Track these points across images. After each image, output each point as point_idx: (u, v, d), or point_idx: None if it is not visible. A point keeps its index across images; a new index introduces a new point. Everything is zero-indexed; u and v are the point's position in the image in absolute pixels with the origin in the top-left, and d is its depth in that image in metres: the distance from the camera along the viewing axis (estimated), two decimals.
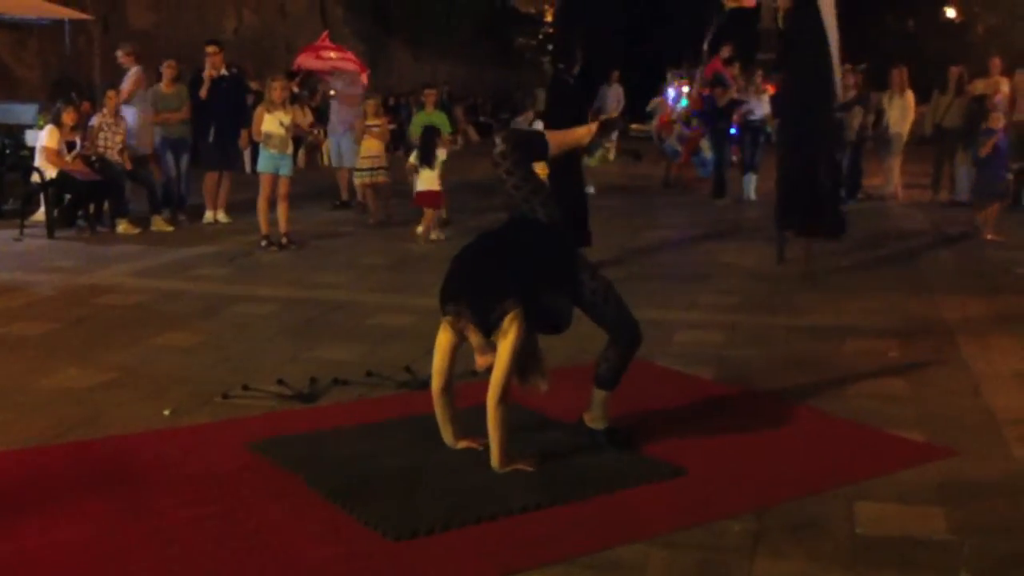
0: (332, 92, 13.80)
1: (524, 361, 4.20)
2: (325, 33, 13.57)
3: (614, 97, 19.74)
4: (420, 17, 26.67)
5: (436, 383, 4.33)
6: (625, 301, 4.54)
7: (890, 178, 14.37)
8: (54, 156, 10.49)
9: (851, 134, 14.06)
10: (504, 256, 4.28)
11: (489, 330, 4.12)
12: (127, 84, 11.87)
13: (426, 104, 12.04)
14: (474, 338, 4.18)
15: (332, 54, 12.86)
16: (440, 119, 11.66)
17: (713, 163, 14.42)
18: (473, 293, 4.15)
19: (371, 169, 11.56)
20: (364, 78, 13.00)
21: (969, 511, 3.94)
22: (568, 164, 8.35)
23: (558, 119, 8.47)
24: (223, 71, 11.56)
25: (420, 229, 10.40)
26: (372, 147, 11.60)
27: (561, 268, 4.36)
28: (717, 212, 12.93)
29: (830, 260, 9.28)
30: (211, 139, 11.38)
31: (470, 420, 4.38)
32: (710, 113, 14.38)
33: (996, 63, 13.94)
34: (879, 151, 14.74)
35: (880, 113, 14.38)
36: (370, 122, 11.64)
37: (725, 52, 14.91)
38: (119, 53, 12.26)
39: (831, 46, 8.58)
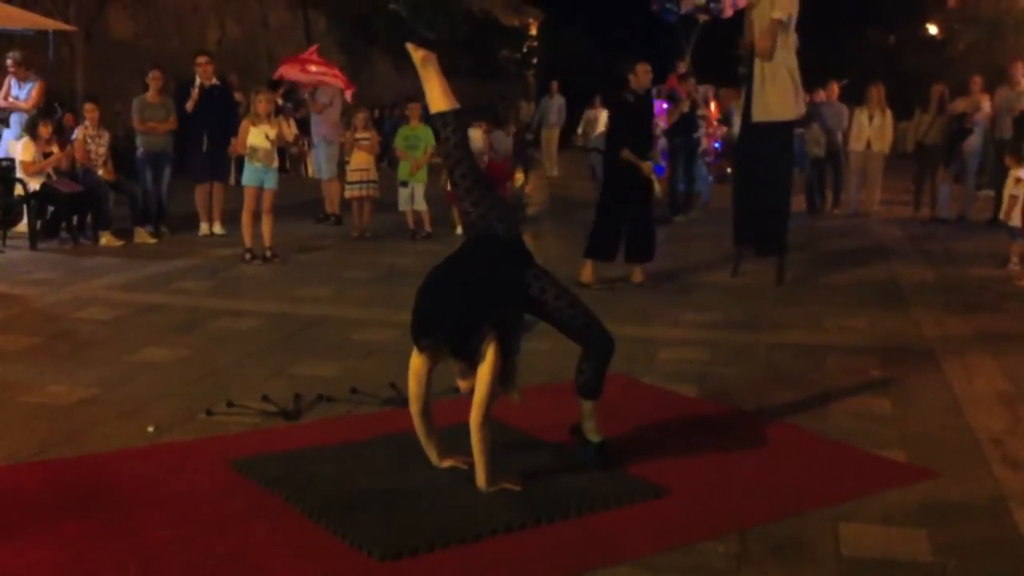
0: (305, 96, 13.74)
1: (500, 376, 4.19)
2: (315, 47, 13.41)
3: (555, 109, 19.90)
4: (402, 28, 26.70)
5: (414, 408, 4.30)
6: (596, 312, 4.51)
7: (872, 195, 14.45)
8: (32, 168, 10.48)
9: (819, 149, 14.21)
10: (470, 284, 4.19)
11: (468, 357, 4.11)
12: (33, 96, 11.72)
13: (411, 118, 12.05)
14: (454, 364, 4.18)
15: (315, 68, 12.74)
16: (424, 132, 11.69)
17: (669, 181, 14.41)
18: (446, 326, 4.10)
19: (360, 182, 11.54)
20: (349, 95, 12.92)
21: (952, 532, 3.95)
22: (632, 188, 8.58)
23: (621, 137, 8.77)
24: (214, 80, 11.53)
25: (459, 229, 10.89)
26: (362, 160, 11.59)
27: (524, 287, 4.31)
28: (695, 228, 12.95)
29: (810, 276, 9.35)
30: (205, 149, 11.34)
31: (454, 438, 4.37)
32: (667, 130, 14.39)
33: (977, 81, 14.03)
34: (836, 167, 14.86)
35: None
36: (359, 135, 11.64)
37: (681, 67, 14.96)
38: (9, 63, 11.98)
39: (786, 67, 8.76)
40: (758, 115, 8.98)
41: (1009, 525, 4.05)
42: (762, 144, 9.01)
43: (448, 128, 4.42)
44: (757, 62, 8.92)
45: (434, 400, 4.35)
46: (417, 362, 4.22)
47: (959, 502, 4.26)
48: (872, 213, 14.22)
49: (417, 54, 4.48)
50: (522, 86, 34.25)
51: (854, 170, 14.52)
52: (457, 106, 4.45)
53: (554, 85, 20.42)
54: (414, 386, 4.25)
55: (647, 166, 8.60)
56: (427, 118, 16.00)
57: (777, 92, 8.83)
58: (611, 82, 9.76)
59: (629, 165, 8.58)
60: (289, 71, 12.84)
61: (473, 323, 4.09)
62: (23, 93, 11.88)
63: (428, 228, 11.53)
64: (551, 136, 20.12)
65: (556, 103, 20.04)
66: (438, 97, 4.44)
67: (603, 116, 18.69)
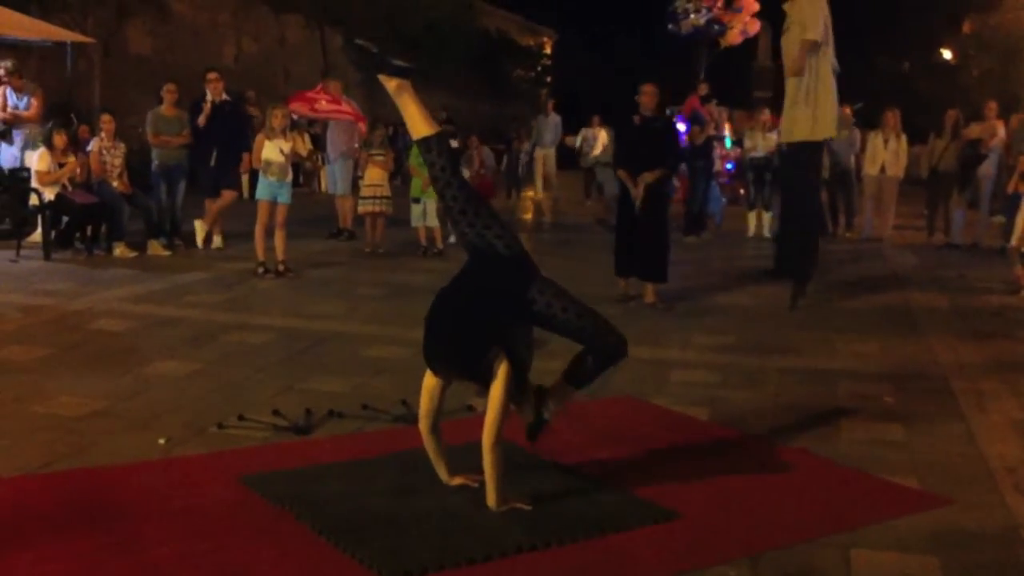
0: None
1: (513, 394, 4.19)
2: (320, 86, 13.42)
3: (551, 128, 18.95)
4: (418, 47, 26.80)
5: (424, 425, 4.31)
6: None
7: (886, 219, 14.45)
8: (47, 178, 10.54)
9: (826, 172, 14.24)
10: (475, 305, 4.18)
11: (480, 378, 4.12)
12: (34, 107, 11.77)
13: None
14: (470, 384, 4.20)
15: (325, 105, 12.71)
16: None
17: (684, 202, 14.45)
18: (455, 350, 4.11)
19: (374, 198, 11.59)
20: (363, 127, 12.94)
21: (964, 560, 3.92)
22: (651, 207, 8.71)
23: (621, 156, 9.00)
24: (225, 96, 11.60)
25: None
26: (375, 176, 11.65)
27: (530, 303, 4.25)
28: (707, 249, 12.96)
29: (823, 301, 9.33)
30: (213, 164, 11.40)
31: (465, 456, 4.36)
32: (688, 151, 14.40)
33: (992, 107, 14.04)
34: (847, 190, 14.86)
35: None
36: (374, 151, 11.71)
37: (702, 90, 15.01)
38: (0, 72, 11.99)
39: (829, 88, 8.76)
40: (783, 136, 9.07)
41: (1022, 554, 4.02)
42: (788, 166, 9.07)
43: (432, 152, 4.39)
44: (789, 83, 8.92)
45: (447, 419, 4.35)
46: (431, 381, 4.24)
47: (972, 530, 4.23)
48: (885, 238, 14.20)
49: (390, 84, 4.45)
50: (535, 105, 34.38)
51: (868, 195, 14.51)
52: (438, 129, 4.45)
53: (550, 104, 19.75)
54: (425, 403, 4.26)
55: (636, 192, 8.67)
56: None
57: (798, 113, 8.83)
58: (621, 101, 9.84)
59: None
60: (299, 107, 12.83)
61: (481, 344, 4.08)
62: (22, 104, 11.93)
63: (440, 245, 11.55)
64: (547, 157, 18.94)
65: (552, 122, 19.05)
66: (418, 123, 4.43)
67: (601, 135, 18.71)
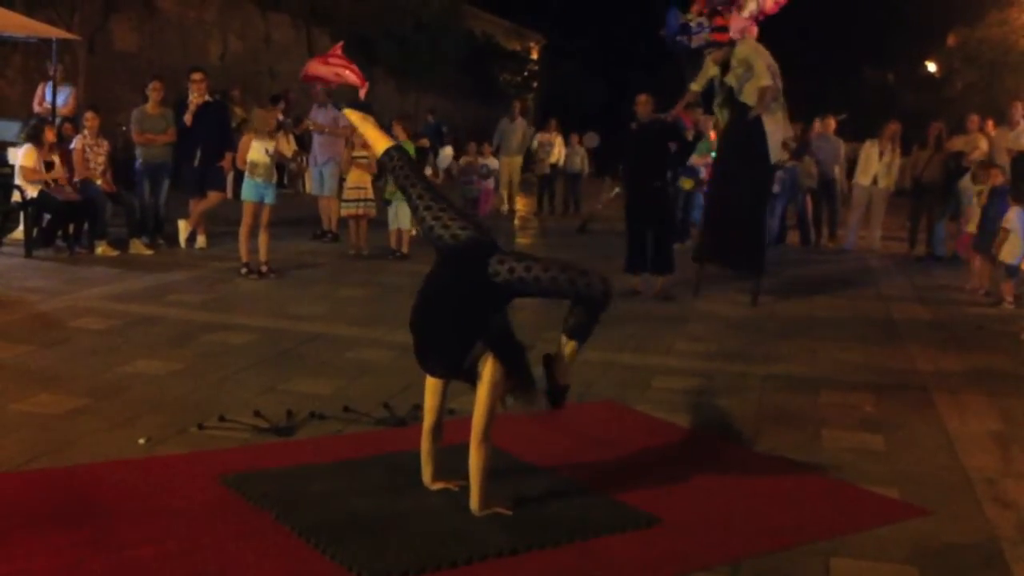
0: (311, 126, 13.67)
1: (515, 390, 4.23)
2: (340, 44, 13.81)
3: (518, 134, 18.05)
4: (405, 49, 26.76)
5: (427, 420, 4.34)
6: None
7: (873, 232, 14.50)
8: (31, 174, 10.46)
9: (812, 181, 14.33)
10: (452, 304, 4.21)
11: (469, 379, 4.15)
12: (70, 103, 11.87)
13: (396, 135, 12.01)
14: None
15: (336, 60, 13.08)
16: (408, 150, 11.64)
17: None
18: (442, 353, 4.20)
19: (357, 200, 11.53)
20: (363, 93, 12.97)
21: (943, 571, 3.95)
22: (645, 207, 9.47)
23: (624, 162, 9.87)
24: (207, 98, 11.56)
25: None
26: (359, 179, 11.59)
27: (494, 276, 4.19)
28: (690, 256, 12.94)
29: (805, 310, 9.36)
30: (197, 164, 11.35)
31: (447, 459, 4.36)
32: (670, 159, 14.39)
33: (974, 120, 14.12)
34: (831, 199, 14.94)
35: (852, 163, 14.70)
36: (357, 153, 11.63)
37: (689, 96, 14.98)
38: (59, 68, 12.31)
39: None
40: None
41: (1001, 565, 4.04)
42: (743, 171, 9.61)
43: (394, 160, 4.73)
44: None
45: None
46: (432, 378, 4.31)
47: (951, 541, 4.25)
48: (875, 249, 14.23)
49: (354, 116, 5.19)
50: (521, 110, 34.35)
51: (856, 204, 14.53)
52: (394, 142, 4.87)
53: (516, 107, 18.76)
54: (428, 399, 4.32)
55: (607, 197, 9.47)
56: (418, 135, 16.16)
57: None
58: (608, 108, 10.17)
59: (642, 187, 9.38)
60: (315, 68, 13.15)
61: (463, 343, 4.13)
62: (60, 99, 12.08)
63: (404, 249, 11.43)
64: (512, 164, 18.01)
65: (519, 127, 18.03)
66: (380, 140, 4.87)
67: (558, 140, 18.52)
